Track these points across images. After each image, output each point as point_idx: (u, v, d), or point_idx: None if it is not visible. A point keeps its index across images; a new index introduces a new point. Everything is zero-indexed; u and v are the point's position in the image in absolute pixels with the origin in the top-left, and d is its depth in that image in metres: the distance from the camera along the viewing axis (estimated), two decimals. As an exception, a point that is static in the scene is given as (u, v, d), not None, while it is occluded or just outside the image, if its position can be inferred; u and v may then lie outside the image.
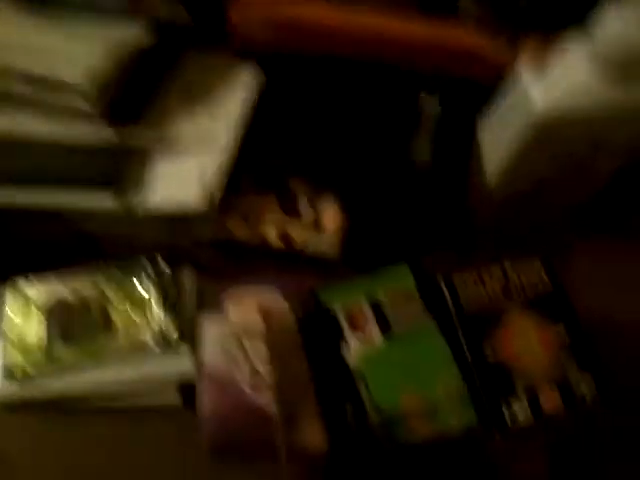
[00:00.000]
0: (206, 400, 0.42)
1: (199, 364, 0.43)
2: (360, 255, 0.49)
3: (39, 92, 0.43)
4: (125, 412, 0.51)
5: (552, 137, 0.43)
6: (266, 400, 0.42)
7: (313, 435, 0.40)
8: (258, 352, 0.43)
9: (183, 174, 0.46)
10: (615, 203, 0.58)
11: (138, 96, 0.47)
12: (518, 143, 0.44)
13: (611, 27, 0.39)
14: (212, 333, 0.44)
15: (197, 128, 0.47)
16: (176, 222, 0.47)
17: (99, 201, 0.45)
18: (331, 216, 0.46)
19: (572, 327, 0.42)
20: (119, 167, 0.45)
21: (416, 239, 0.53)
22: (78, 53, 0.42)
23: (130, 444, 0.51)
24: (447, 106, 0.50)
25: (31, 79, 0.43)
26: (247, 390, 0.42)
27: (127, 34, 0.45)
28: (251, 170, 0.48)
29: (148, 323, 0.50)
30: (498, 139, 0.48)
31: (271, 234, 0.46)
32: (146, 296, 0.51)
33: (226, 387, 0.42)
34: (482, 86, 0.47)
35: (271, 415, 0.41)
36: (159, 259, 0.53)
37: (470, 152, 0.52)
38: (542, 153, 0.45)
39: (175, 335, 0.50)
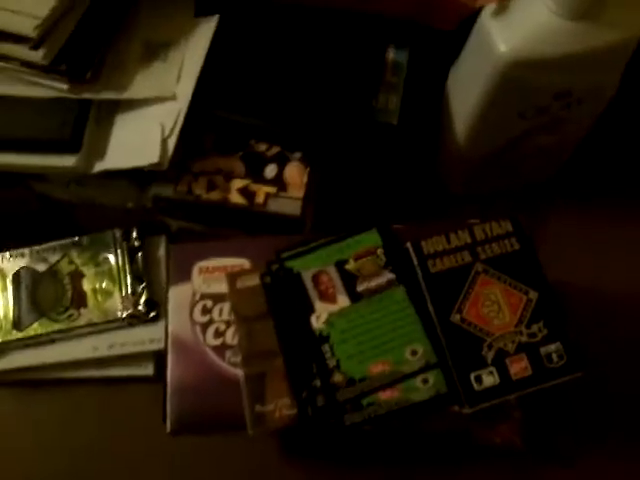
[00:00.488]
0: (171, 368, 0.41)
1: (167, 335, 0.42)
2: (328, 219, 0.48)
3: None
4: (97, 383, 0.51)
5: (517, 84, 0.42)
6: (232, 365, 0.41)
7: (281, 403, 0.39)
8: (223, 317, 0.42)
9: (140, 128, 0.45)
10: (586, 169, 0.57)
11: (92, 48, 0.46)
12: (484, 93, 0.43)
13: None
14: (177, 300, 0.43)
15: (154, 81, 0.46)
16: (137, 181, 0.46)
17: (59, 161, 0.44)
18: (295, 175, 0.45)
19: (541, 289, 0.41)
20: (77, 124, 0.45)
21: (385, 203, 0.52)
22: (26, 4, 0.42)
23: (100, 417, 0.51)
24: (416, 59, 0.49)
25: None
26: (212, 355, 0.41)
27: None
28: (215, 131, 0.46)
29: (120, 294, 0.50)
30: (465, 91, 0.47)
31: (234, 194, 0.45)
32: (117, 267, 0.51)
33: (191, 354, 0.42)
34: (451, 38, 0.45)
35: (238, 380, 0.40)
36: (131, 231, 0.52)
37: (439, 109, 0.51)
38: (508, 105, 0.44)
39: (147, 307, 0.50)
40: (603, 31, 0.40)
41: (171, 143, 0.43)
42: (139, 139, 0.44)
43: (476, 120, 0.47)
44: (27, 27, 0.41)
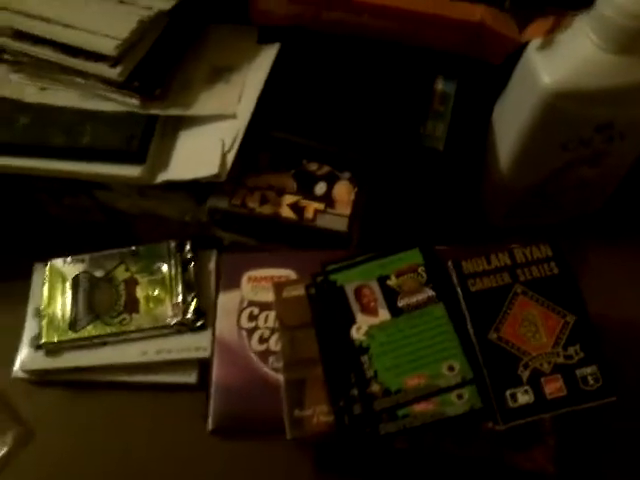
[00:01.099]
0: (216, 369, 0.43)
1: (214, 338, 0.44)
2: (373, 238, 0.50)
3: (74, 61, 0.46)
4: (145, 388, 0.53)
5: (559, 115, 0.43)
6: (274, 370, 0.42)
7: (319, 409, 0.41)
8: (268, 324, 0.44)
9: (202, 143, 0.48)
10: (629, 207, 0.58)
11: (163, 68, 0.50)
12: (528, 124, 0.45)
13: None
14: (226, 305, 0.45)
15: (217, 100, 0.50)
16: (195, 195, 0.49)
17: (126, 171, 0.47)
18: (344, 193, 0.47)
19: (579, 313, 0.42)
20: (144, 138, 0.48)
21: (428, 226, 0.54)
22: (108, 25, 0.46)
23: (144, 421, 0.53)
24: (463, 90, 0.51)
25: (69, 49, 0.46)
26: (256, 360, 0.43)
27: (151, 3, 0.48)
28: (270, 150, 0.49)
29: (170, 302, 0.52)
30: (509, 122, 0.48)
31: (285, 208, 0.47)
32: (170, 277, 0.53)
33: (236, 357, 0.44)
34: (498, 70, 0.48)
35: (279, 385, 0.41)
36: (185, 243, 0.55)
37: (485, 139, 0.53)
38: (551, 137, 0.46)
39: (195, 315, 0.52)
40: (646, 66, 0.41)
41: (230, 157, 0.46)
42: (200, 153, 0.47)
43: (519, 150, 0.48)
44: (109, 47, 0.45)
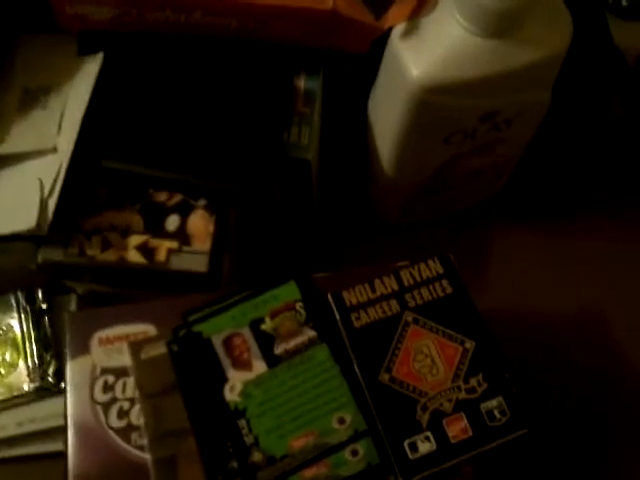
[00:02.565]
0: (71, 456, 0.37)
1: (65, 419, 0.37)
2: (244, 272, 0.43)
3: None
4: (9, 462, 0.46)
5: (435, 109, 0.38)
6: (139, 449, 0.36)
7: (195, 486, 0.35)
8: (127, 393, 0.37)
9: (18, 187, 0.41)
10: (529, 190, 0.54)
11: None
12: (403, 119, 0.40)
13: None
14: (76, 376, 0.38)
15: (32, 132, 0.42)
16: (34, 241, 0.41)
17: None
18: (200, 225, 0.40)
19: (478, 337, 0.37)
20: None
21: (310, 248, 0.48)
22: None
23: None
24: (330, 86, 0.44)
25: None
26: (117, 439, 0.37)
27: None
28: (107, 183, 0.42)
29: (26, 365, 0.45)
30: (384, 117, 0.43)
31: (132, 252, 0.40)
32: (22, 335, 0.46)
33: (93, 438, 0.37)
34: (367, 59, 0.41)
35: (146, 466, 0.35)
36: (36, 292, 0.47)
37: (364, 135, 0.46)
38: (431, 131, 0.40)
39: (56, 377, 0.45)
40: (522, 49, 0.36)
41: (51, 204, 0.38)
42: (17, 200, 0.39)
43: (400, 147, 0.43)
44: None
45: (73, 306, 0.48)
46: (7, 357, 0.46)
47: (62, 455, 0.44)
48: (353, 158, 0.49)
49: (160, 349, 0.38)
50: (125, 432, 0.37)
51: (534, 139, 0.46)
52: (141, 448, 0.36)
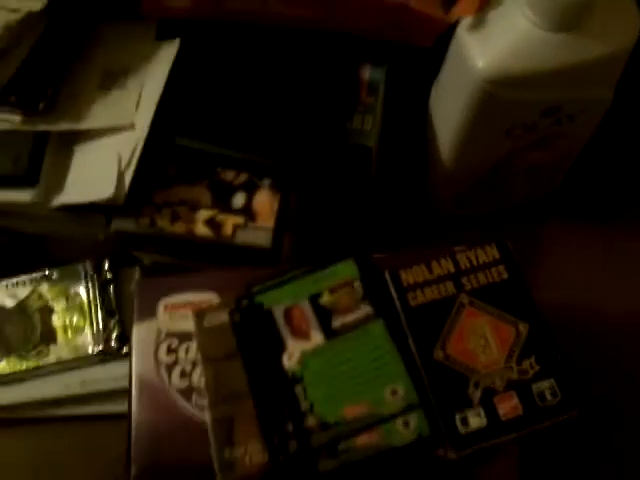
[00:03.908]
0: (135, 412, 0.39)
1: (130, 376, 0.39)
2: (308, 249, 0.45)
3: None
4: (72, 420, 0.48)
5: (498, 101, 0.39)
6: (199, 409, 0.38)
7: (251, 448, 0.37)
8: (190, 356, 0.39)
9: (98, 160, 0.43)
10: (586, 189, 0.54)
11: (45, 78, 0.44)
12: (466, 111, 0.41)
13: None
14: (141, 338, 0.40)
15: (111, 109, 0.44)
16: (104, 212, 0.43)
17: (16, 196, 0.42)
18: (265, 203, 0.42)
19: (532, 321, 0.38)
20: (33, 157, 0.43)
21: (368, 229, 0.49)
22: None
23: (76, 456, 0.48)
24: (395, 77, 0.46)
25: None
26: (179, 398, 0.38)
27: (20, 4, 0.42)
28: (179, 160, 0.44)
29: (91, 329, 0.48)
30: (447, 110, 0.44)
31: (200, 225, 0.42)
32: (88, 302, 0.49)
33: (156, 396, 0.39)
34: (431, 53, 0.43)
35: (205, 426, 0.37)
36: (103, 263, 0.50)
37: (425, 128, 0.48)
38: (493, 124, 0.41)
39: (119, 342, 0.47)
40: (589, 44, 0.37)
41: (128, 176, 0.41)
42: (96, 172, 0.42)
43: (460, 139, 0.44)
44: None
45: (137, 277, 0.50)
46: (74, 321, 0.48)
47: (123, 417, 0.46)
48: (412, 149, 0.50)
49: (222, 317, 0.39)
50: (186, 392, 0.39)
51: (593, 136, 0.47)
52: (201, 408, 0.38)
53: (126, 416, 0.46)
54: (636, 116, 0.50)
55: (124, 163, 0.41)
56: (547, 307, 0.40)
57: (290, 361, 0.38)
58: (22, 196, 0.42)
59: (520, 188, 0.51)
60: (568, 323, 0.48)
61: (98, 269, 0.50)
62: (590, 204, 0.55)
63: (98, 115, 0.44)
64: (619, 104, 0.44)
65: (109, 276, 0.50)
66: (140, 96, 0.44)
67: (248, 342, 0.39)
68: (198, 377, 0.39)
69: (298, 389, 0.37)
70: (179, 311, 0.41)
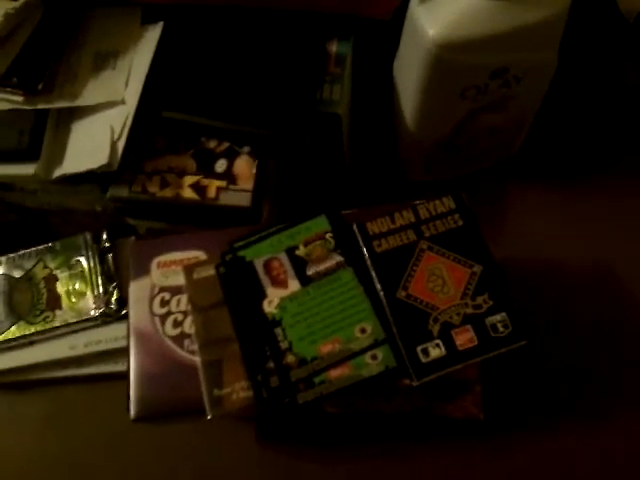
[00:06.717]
0: (133, 358, 0.43)
1: (128, 328, 0.44)
2: (288, 210, 0.49)
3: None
4: (77, 381, 0.52)
5: (450, 66, 0.43)
6: (191, 353, 0.42)
7: (238, 386, 0.41)
8: (181, 307, 0.43)
9: (93, 133, 0.47)
10: (545, 153, 0.58)
11: (43, 61, 0.48)
12: (421, 77, 0.45)
13: None
14: (137, 293, 0.45)
15: (104, 87, 0.48)
16: (99, 184, 0.48)
17: (20, 169, 0.46)
18: (244, 168, 0.47)
19: (485, 263, 0.42)
20: (34, 133, 0.47)
21: (340, 192, 0.54)
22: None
23: (83, 415, 0.53)
24: (360, 50, 0.50)
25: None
26: (172, 345, 0.43)
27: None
28: (167, 132, 0.48)
29: (92, 294, 0.52)
30: (406, 78, 0.48)
31: (187, 189, 0.46)
32: (89, 269, 0.53)
33: (152, 344, 0.43)
34: (391, 26, 0.47)
35: (196, 367, 0.41)
36: (102, 234, 0.54)
37: (391, 98, 0.52)
38: (447, 87, 0.45)
39: (118, 305, 0.51)
40: (527, 10, 0.41)
41: (120, 145, 0.45)
42: (91, 143, 0.46)
43: (420, 104, 0.48)
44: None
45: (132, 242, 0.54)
46: (77, 287, 0.53)
47: (123, 376, 0.50)
48: (382, 118, 0.54)
49: (209, 271, 0.44)
50: (179, 339, 0.43)
51: (549, 103, 0.51)
52: (192, 352, 0.43)
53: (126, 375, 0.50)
54: (586, 80, 0.54)
55: (116, 134, 0.45)
56: (506, 259, 0.44)
57: (270, 306, 0.42)
58: (26, 169, 0.46)
59: (482, 152, 0.55)
60: (530, 275, 0.53)
61: (97, 239, 0.54)
62: (549, 167, 0.59)
63: (92, 93, 0.48)
64: (568, 70, 0.48)
65: (107, 245, 0.54)
66: (129, 75, 0.48)
67: (233, 291, 0.43)
68: (189, 325, 0.43)
69: (278, 330, 0.42)
70: (170, 268, 0.45)
